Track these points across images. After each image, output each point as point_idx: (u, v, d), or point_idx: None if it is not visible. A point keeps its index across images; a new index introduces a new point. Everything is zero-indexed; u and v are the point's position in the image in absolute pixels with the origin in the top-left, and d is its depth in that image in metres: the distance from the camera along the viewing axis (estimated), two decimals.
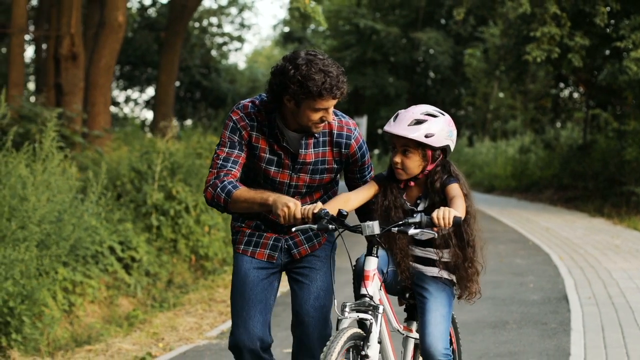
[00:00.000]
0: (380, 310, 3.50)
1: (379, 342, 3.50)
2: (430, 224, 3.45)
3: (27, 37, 22.01)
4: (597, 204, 17.24)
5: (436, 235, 3.63)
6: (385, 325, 3.70)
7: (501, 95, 34.22)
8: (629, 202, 16.46)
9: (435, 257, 3.77)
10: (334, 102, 3.62)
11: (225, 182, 3.69)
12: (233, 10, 36.98)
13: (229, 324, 7.10)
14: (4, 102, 7.19)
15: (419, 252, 3.80)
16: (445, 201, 3.65)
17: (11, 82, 14.45)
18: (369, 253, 3.58)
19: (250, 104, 3.78)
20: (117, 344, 6.49)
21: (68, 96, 12.55)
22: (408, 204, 3.75)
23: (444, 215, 3.41)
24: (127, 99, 35.67)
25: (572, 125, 25.99)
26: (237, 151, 3.74)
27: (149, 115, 35.16)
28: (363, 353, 3.42)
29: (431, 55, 36.27)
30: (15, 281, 6.09)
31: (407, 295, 3.93)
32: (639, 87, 16.76)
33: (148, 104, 34.96)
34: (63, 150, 8.47)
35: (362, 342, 3.45)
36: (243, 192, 3.67)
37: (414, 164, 3.67)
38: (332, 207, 3.62)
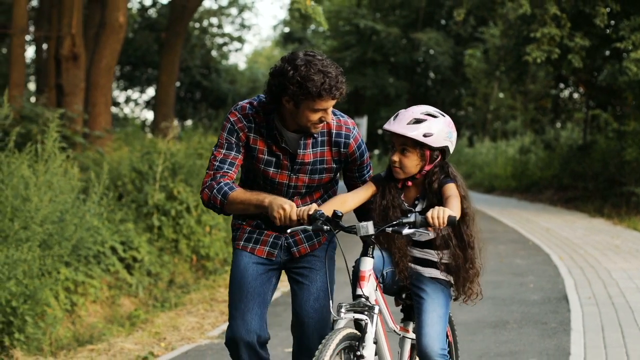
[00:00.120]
0: (376, 310, 3.50)
1: (375, 343, 3.50)
2: (425, 224, 3.46)
3: (27, 37, 22.01)
4: (597, 205, 17.26)
5: (430, 234, 3.64)
6: (381, 325, 3.71)
7: (501, 95, 34.25)
8: (629, 203, 16.48)
9: (433, 258, 3.78)
10: (333, 102, 3.62)
11: (222, 183, 3.70)
12: (233, 11, 37.09)
13: None
14: (6, 102, 7.21)
15: (417, 253, 3.81)
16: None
17: (12, 82, 14.48)
18: (365, 253, 3.59)
19: (248, 105, 3.78)
20: (120, 343, 6.51)
21: (69, 97, 12.57)
22: (406, 204, 3.76)
23: (439, 215, 3.42)
24: (128, 100, 35.73)
25: (572, 125, 26.02)
26: (234, 153, 3.75)
27: (149, 115, 35.22)
28: (358, 353, 3.43)
29: (431, 55, 36.30)
30: (18, 281, 6.11)
31: (404, 295, 3.94)
32: (638, 88, 16.79)
33: (148, 105, 35.00)
34: (65, 150, 8.49)
35: (357, 343, 3.45)
36: (239, 193, 3.68)
37: (412, 163, 3.69)
38: (328, 209, 3.63)
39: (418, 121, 3.65)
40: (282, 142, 3.74)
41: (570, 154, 21.40)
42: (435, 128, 3.65)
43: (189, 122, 31.24)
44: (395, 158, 3.70)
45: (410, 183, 3.76)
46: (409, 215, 3.53)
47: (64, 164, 7.63)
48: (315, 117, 3.63)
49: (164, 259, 9.23)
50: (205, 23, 33.82)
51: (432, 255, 3.80)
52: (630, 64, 15.54)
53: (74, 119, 11.96)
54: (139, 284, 8.36)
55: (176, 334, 6.93)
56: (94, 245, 7.73)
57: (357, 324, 3.50)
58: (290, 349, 4.19)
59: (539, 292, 8.39)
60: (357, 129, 3.87)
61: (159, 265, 9.02)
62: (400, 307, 4.02)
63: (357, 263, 3.63)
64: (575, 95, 26.51)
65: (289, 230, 3.58)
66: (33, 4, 24.27)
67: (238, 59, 71.90)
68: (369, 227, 3.53)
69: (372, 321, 3.48)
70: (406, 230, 3.49)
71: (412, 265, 3.81)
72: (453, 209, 3.53)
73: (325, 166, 3.80)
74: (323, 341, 3.33)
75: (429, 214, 3.44)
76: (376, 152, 35.69)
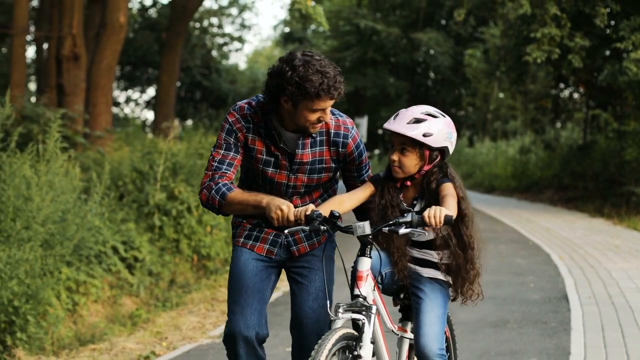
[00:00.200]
0: (374, 310, 3.50)
1: (372, 343, 3.50)
2: (422, 223, 3.46)
3: (28, 37, 22.03)
4: (597, 204, 17.28)
5: (427, 234, 3.63)
6: (379, 325, 3.70)
7: (501, 95, 34.25)
8: (629, 203, 16.50)
9: (432, 258, 3.78)
10: (332, 102, 3.62)
11: (220, 184, 3.71)
12: (233, 11, 37.11)
13: None
14: (8, 102, 7.23)
15: (416, 253, 3.82)
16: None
17: (13, 82, 14.50)
18: (362, 253, 3.59)
19: (246, 105, 3.79)
20: (121, 343, 6.53)
21: (70, 97, 12.59)
22: (404, 204, 3.76)
23: (435, 214, 3.41)
24: (128, 100, 35.74)
25: (572, 125, 26.03)
26: (232, 153, 3.75)
27: (149, 115, 35.23)
28: (355, 353, 3.42)
29: (431, 55, 36.31)
30: (20, 281, 6.13)
31: (402, 295, 3.94)
32: (638, 88, 16.81)
33: (148, 105, 35.01)
34: (67, 150, 8.51)
35: (354, 343, 3.45)
36: (237, 194, 3.69)
37: (411, 162, 3.69)
38: (326, 209, 3.63)
39: (418, 121, 3.65)
40: (281, 142, 3.74)
41: (570, 154, 21.42)
42: (435, 128, 3.66)
43: (189, 122, 31.24)
44: (395, 157, 3.70)
45: (409, 183, 3.76)
46: (405, 214, 3.53)
47: (65, 164, 7.65)
48: (314, 117, 3.63)
49: (165, 259, 9.25)
50: (205, 23, 33.84)
51: (432, 255, 3.80)
52: (630, 64, 15.56)
53: (74, 119, 11.97)
54: (140, 284, 8.38)
55: (178, 334, 6.95)
56: (96, 245, 7.75)
57: (355, 324, 3.50)
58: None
59: (539, 291, 8.41)
60: (356, 128, 3.87)
61: (160, 265, 9.04)
62: (399, 307, 4.02)
63: (355, 263, 3.63)
64: (576, 95, 26.54)
65: (286, 231, 3.59)
66: (34, 4, 24.28)
67: (238, 59, 71.91)
68: (365, 227, 3.53)
69: (369, 321, 3.47)
70: (403, 230, 3.49)
71: (411, 265, 3.81)
72: (449, 208, 3.52)
73: (324, 166, 3.80)
74: (319, 341, 3.33)
75: (425, 213, 3.43)
76: (377, 152, 35.69)
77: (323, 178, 3.84)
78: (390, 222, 3.53)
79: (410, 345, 3.96)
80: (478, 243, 3.77)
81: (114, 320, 7.52)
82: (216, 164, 3.74)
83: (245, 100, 3.83)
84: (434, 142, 3.65)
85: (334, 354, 3.37)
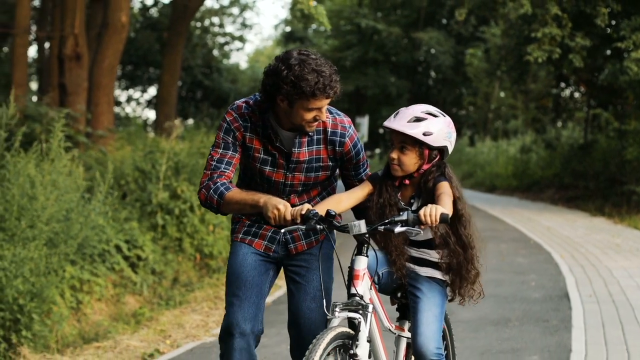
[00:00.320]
0: (370, 309, 3.50)
1: (369, 341, 3.50)
2: (418, 222, 3.46)
3: (30, 37, 22.04)
4: (598, 204, 17.30)
5: (423, 232, 3.64)
6: (376, 324, 3.71)
7: (502, 95, 34.26)
8: (630, 202, 16.52)
9: (430, 258, 3.79)
10: (327, 101, 3.63)
11: (218, 183, 3.72)
12: (235, 10, 37.08)
13: None
14: (12, 102, 7.27)
15: (414, 252, 3.83)
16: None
17: (15, 82, 14.51)
18: (359, 252, 3.60)
19: (244, 104, 3.80)
20: (125, 340, 6.57)
21: (72, 96, 12.62)
22: (402, 203, 3.76)
23: (431, 212, 3.42)
24: (129, 99, 35.76)
25: (573, 124, 26.03)
26: (230, 152, 3.77)
27: (150, 114, 35.26)
28: (352, 352, 3.43)
29: (432, 55, 36.31)
30: (25, 279, 6.17)
31: (399, 294, 3.94)
32: (639, 87, 16.83)
33: (150, 104, 35.03)
34: (71, 150, 8.55)
35: (350, 342, 3.45)
36: (235, 193, 3.70)
37: (410, 161, 3.70)
38: (322, 208, 3.64)
39: (418, 119, 3.66)
40: (277, 141, 3.75)
41: (571, 153, 21.44)
42: (435, 127, 3.67)
43: (190, 122, 31.26)
44: (394, 155, 3.71)
45: (407, 182, 3.77)
46: (401, 213, 3.54)
47: (69, 164, 7.69)
48: (310, 116, 3.63)
49: (168, 258, 9.29)
50: (206, 22, 33.85)
51: (429, 254, 3.81)
52: (630, 64, 15.58)
53: (76, 118, 12.01)
54: (144, 282, 8.42)
55: (181, 332, 6.99)
56: (99, 244, 7.79)
57: (351, 323, 3.51)
58: None
59: (540, 290, 8.44)
60: (353, 127, 3.87)
61: (163, 263, 9.08)
62: (396, 306, 4.02)
63: (352, 262, 3.63)
64: (576, 95, 26.54)
65: (282, 230, 3.61)
66: (35, 3, 24.31)
67: (239, 58, 71.82)
68: (361, 226, 3.54)
69: (365, 320, 3.48)
70: (398, 229, 3.49)
71: (409, 264, 3.82)
72: (445, 207, 3.53)
73: (321, 164, 3.81)
74: (314, 340, 3.34)
75: (421, 211, 3.44)
76: (378, 151, 35.70)
77: (320, 177, 3.85)
78: (386, 221, 3.54)
79: (408, 344, 3.96)
80: (477, 242, 3.78)
81: (118, 319, 7.56)
82: (215, 163, 3.76)
83: (243, 99, 3.84)
84: (433, 141, 3.66)
85: (328, 353, 3.38)
